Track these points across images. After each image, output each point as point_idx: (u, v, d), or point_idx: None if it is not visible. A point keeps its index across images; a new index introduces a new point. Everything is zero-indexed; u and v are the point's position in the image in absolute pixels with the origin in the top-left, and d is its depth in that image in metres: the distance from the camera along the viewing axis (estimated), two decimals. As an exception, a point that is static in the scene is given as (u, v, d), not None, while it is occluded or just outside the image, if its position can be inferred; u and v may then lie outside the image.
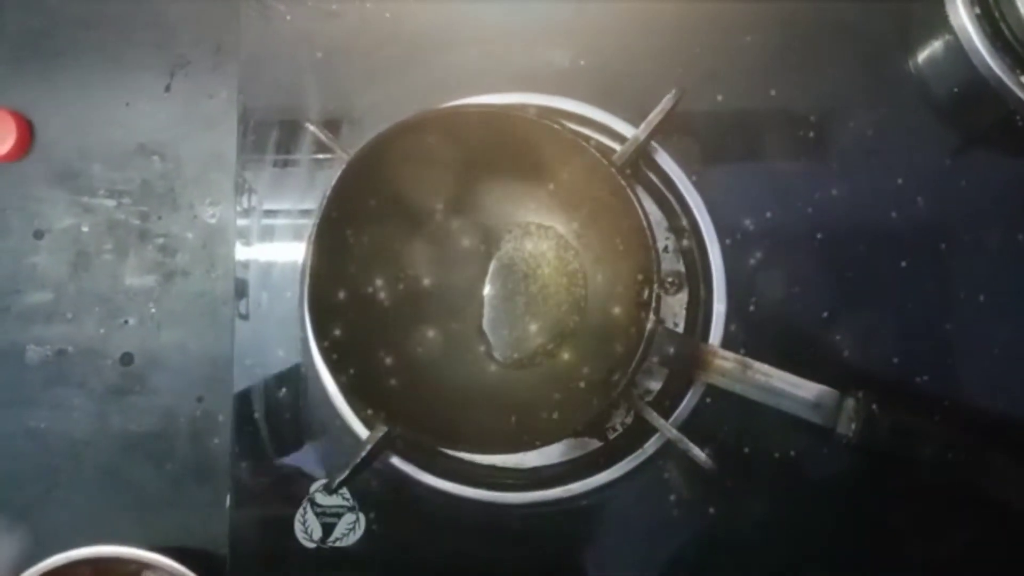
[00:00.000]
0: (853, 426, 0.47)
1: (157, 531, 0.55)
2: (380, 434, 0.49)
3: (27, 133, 0.59)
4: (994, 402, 0.52)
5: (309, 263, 0.49)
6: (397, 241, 0.53)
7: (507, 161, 0.52)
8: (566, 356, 0.53)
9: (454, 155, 0.51)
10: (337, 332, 0.49)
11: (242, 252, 0.56)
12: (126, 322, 0.58)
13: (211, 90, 0.59)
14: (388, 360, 0.51)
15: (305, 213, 0.56)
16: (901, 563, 0.52)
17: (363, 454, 0.48)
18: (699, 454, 0.49)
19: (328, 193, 0.49)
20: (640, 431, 0.52)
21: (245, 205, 0.57)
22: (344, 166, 0.49)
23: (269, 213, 0.57)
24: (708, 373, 0.48)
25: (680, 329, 0.53)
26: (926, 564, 0.52)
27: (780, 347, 0.52)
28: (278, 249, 0.56)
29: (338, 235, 0.50)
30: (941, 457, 0.48)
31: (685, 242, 0.54)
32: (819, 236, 0.54)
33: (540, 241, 0.54)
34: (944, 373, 0.52)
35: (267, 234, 0.56)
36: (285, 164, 0.57)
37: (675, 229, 0.54)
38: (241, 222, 0.56)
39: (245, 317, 0.55)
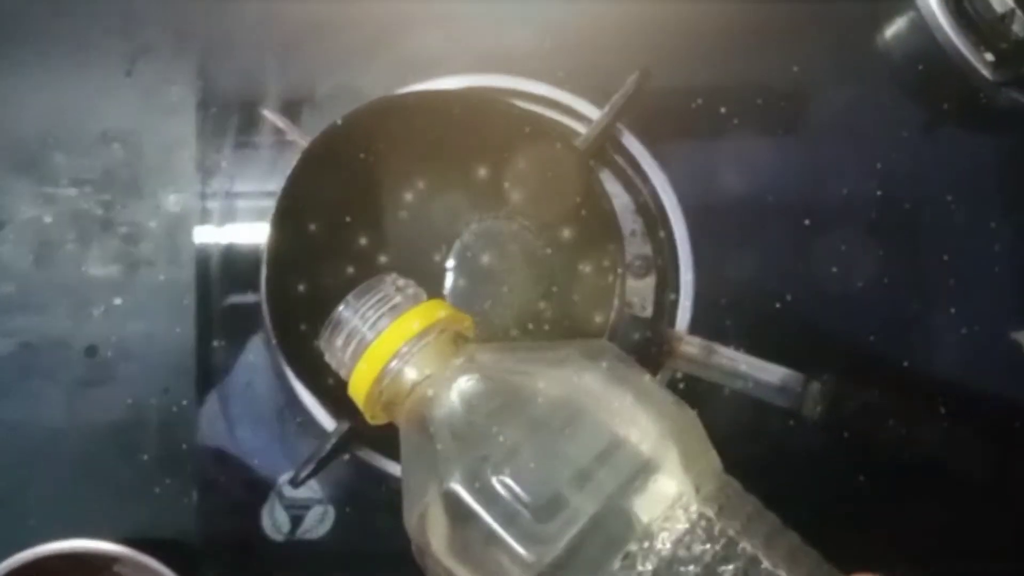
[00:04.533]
0: (818, 409, 0.47)
1: (127, 522, 0.54)
2: (346, 427, 0.48)
3: (-14, 122, 0.58)
4: (962, 382, 0.53)
5: (267, 254, 0.49)
6: (358, 229, 0.52)
7: (470, 145, 0.51)
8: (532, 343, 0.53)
9: (415, 140, 0.51)
10: (297, 322, 0.48)
11: (203, 240, 0.56)
12: (91, 313, 0.57)
13: (173, 76, 0.58)
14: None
15: (268, 195, 0.55)
16: (870, 539, 0.52)
17: (328, 447, 0.48)
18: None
19: (285, 183, 0.48)
20: (608, 417, 0.52)
21: (207, 191, 0.56)
22: (301, 154, 0.48)
23: (231, 198, 0.56)
24: (674, 359, 0.48)
25: (649, 313, 0.53)
26: (893, 539, 0.52)
27: (748, 331, 0.52)
28: (240, 236, 0.56)
29: (297, 225, 0.49)
30: (908, 437, 0.49)
31: (652, 225, 0.54)
32: (787, 217, 0.54)
33: (503, 226, 0.54)
34: (912, 354, 0.53)
35: (229, 220, 0.56)
36: (246, 147, 0.56)
37: (642, 212, 0.54)
38: (203, 208, 0.56)
39: (207, 306, 0.55)
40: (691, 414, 0.37)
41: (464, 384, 0.37)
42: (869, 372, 0.52)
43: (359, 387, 0.38)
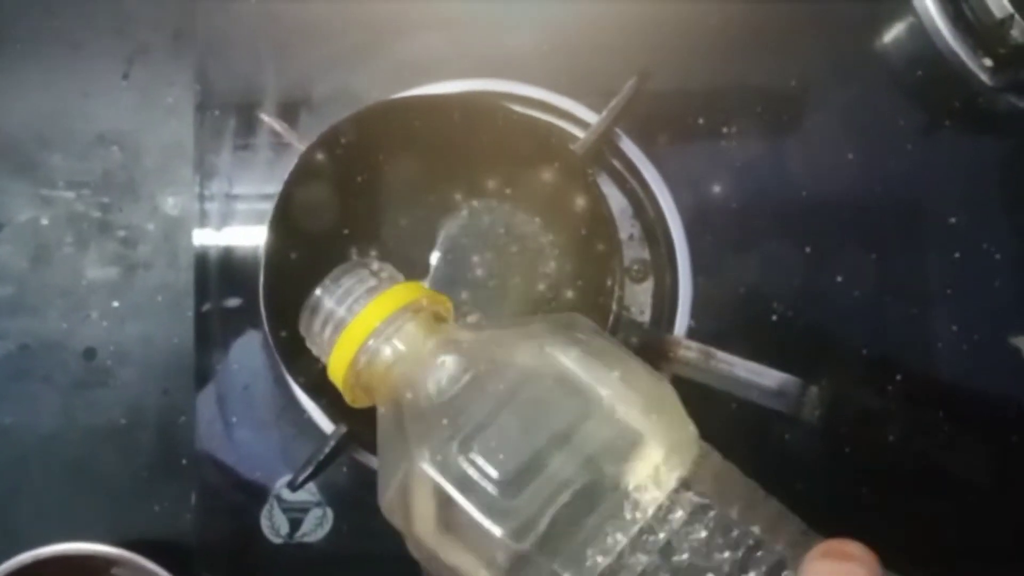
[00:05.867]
0: (816, 413, 0.47)
1: (126, 526, 0.54)
2: (344, 430, 0.48)
3: (-16, 124, 0.58)
4: (961, 386, 0.53)
5: (265, 257, 0.48)
6: (356, 234, 0.53)
7: (468, 150, 0.51)
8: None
9: (412, 144, 0.51)
10: (295, 325, 0.48)
11: (201, 243, 0.56)
12: (88, 316, 0.57)
13: (170, 78, 0.58)
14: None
15: (267, 198, 0.55)
16: (868, 542, 0.52)
17: (326, 450, 0.48)
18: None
19: (283, 187, 0.48)
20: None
21: (206, 193, 0.56)
22: (299, 159, 0.48)
23: (230, 200, 0.56)
24: (672, 363, 0.48)
25: (647, 318, 0.53)
26: (892, 542, 0.52)
27: (746, 335, 0.52)
28: (239, 240, 0.56)
29: (295, 229, 0.49)
30: (907, 442, 0.49)
31: (650, 229, 0.54)
32: (786, 221, 0.54)
33: (501, 231, 0.54)
34: (910, 359, 0.53)
35: (228, 223, 0.56)
36: (244, 149, 0.56)
37: (640, 216, 0.54)
38: (201, 211, 0.56)
39: (206, 309, 0.55)
40: (665, 385, 0.37)
41: (437, 363, 0.37)
42: (867, 377, 0.52)
43: (337, 369, 0.39)
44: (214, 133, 0.56)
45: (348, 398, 0.40)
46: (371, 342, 0.38)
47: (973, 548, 0.52)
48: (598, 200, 0.48)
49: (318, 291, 0.40)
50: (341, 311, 0.39)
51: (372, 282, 0.39)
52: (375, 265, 0.41)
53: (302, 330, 0.41)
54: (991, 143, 0.55)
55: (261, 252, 0.51)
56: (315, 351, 0.41)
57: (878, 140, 0.54)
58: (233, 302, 0.55)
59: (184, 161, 0.57)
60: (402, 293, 0.39)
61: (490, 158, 0.51)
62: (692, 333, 0.52)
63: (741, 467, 0.40)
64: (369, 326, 0.38)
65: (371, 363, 0.38)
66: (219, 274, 0.55)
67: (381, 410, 0.39)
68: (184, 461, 0.54)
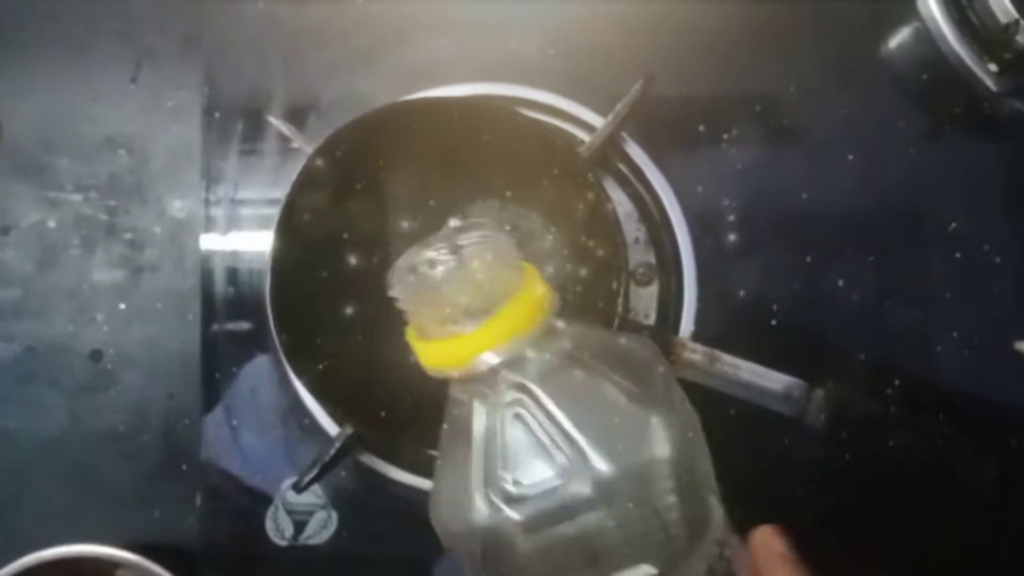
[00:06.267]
0: (822, 417, 0.47)
1: (130, 529, 0.54)
2: (349, 432, 0.48)
3: (-9, 128, 0.58)
4: (964, 391, 0.53)
5: (271, 261, 0.49)
6: (362, 237, 0.53)
7: (474, 153, 0.51)
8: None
9: (419, 148, 0.51)
10: (302, 329, 0.48)
11: (208, 247, 0.56)
12: (95, 318, 0.57)
13: (178, 81, 0.58)
14: (352, 355, 0.50)
15: (273, 202, 0.55)
16: (871, 545, 0.52)
17: (332, 452, 0.48)
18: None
19: (289, 191, 0.48)
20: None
21: (212, 198, 0.56)
22: (305, 162, 0.48)
23: (237, 204, 0.56)
24: (677, 366, 0.48)
25: (652, 321, 0.53)
26: (895, 545, 0.52)
27: (751, 338, 0.52)
28: (246, 243, 0.56)
29: (302, 233, 0.49)
30: (909, 446, 0.49)
31: (655, 233, 0.54)
32: (789, 225, 0.54)
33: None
34: (913, 363, 0.53)
35: (235, 227, 0.56)
36: (251, 153, 0.56)
37: (645, 220, 0.54)
38: (208, 215, 0.56)
39: (212, 312, 0.55)
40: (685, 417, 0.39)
41: (549, 384, 0.36)
42: (871, 381, 0.52)
43: (443, 360, 0.37)
44: (221, 137, 0.56)
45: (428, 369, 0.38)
46: (488, 355, 0.36)
47: (973, 552, 0.52)
48: (604, 203, 0.48)
49: (440, 272, 0.36)
50: (466, 302, 0.36)
51: (501, 269, 0.37)
52: (507, 244, 0.38)
53: (395, 292, 0.38)
54: (993, 147, 0.55)
55: (268, 257, 0.51)
56: (401, 305, 0.38)
57: (879, 144, 0.54)
58: (239, 305, 0.55)
59: (191, 164, 0.57)
60: (531, 309, 0.37)
61: (496, 162, 0.51)
62: (697, 336, 0.52)
63: (740, 471, 0.40)
64: (495, 342, 0.36)
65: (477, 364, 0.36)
66: (226, 278, 0.55)
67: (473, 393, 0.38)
68: (189, 464, 0.54)
